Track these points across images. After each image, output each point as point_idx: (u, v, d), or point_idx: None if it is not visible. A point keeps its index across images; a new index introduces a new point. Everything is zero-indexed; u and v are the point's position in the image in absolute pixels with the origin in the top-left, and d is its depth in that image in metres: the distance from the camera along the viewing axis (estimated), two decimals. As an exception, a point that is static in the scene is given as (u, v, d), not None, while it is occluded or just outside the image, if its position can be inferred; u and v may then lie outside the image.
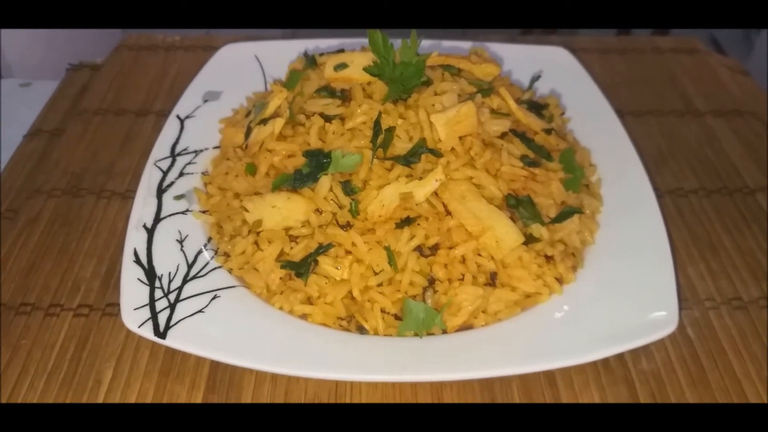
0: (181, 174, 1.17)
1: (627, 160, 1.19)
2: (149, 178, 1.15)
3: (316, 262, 0.98)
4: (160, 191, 1.13)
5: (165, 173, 1.16)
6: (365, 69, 1.07)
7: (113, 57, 1.67)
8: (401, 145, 1.02)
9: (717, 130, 1.46)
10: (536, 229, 1.01)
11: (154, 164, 1.17)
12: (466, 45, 1.37)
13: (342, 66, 1.11)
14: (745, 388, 0.97)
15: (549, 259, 1.00)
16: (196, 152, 1.22)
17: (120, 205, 1.25)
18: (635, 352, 1.00)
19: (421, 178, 1.00)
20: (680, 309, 0.95)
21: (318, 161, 1.02)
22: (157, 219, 1.08)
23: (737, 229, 1.23)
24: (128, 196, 1.26)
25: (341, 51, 1.21)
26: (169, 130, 1.25)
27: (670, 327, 0.92)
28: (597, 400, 0.95)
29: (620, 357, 0.99)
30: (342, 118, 1.07)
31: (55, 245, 1.17)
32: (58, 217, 1.22)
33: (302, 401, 0.95)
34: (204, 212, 1.12)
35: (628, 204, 1.12)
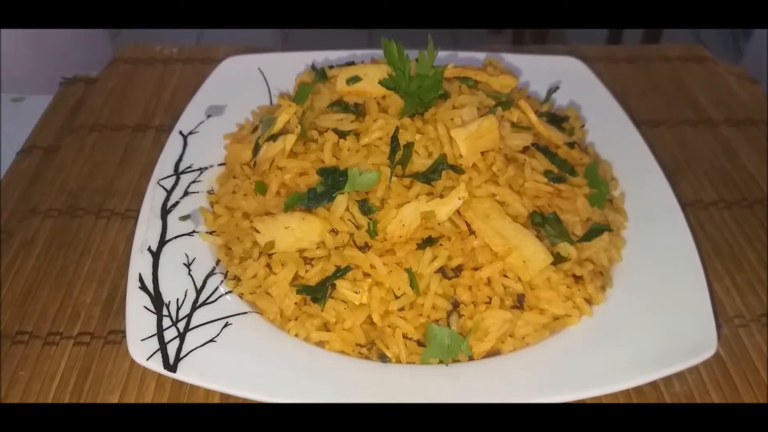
0: (186, 193, 1.12)
1: (649, 172, 1.15)
2: (152, 197, 1.10)
3: (334, 286, 0.94)
4: (165, 212, 1.08)
5: (169, 192, 1.11)
6: (380, 82, 1.02)
7: (108, 70, 1.62)
8: (420, 162, 0.98)
9: (731, 139, 1.44)
10: (564, 248, 0.97)
11: (158, 183, 1.12)
12: (480, 55, 1.33)
13: (355, 79, 1.07)
14: (784, 411, 0.94)
15: (578, 279, 0.96)
16: (201, 170, 1.17)
17: (120, 225, 1.20)
18: (668, 376, 0.96)
19: (442, 196, 0.95)
20: (719, 331, 0.92)
21: (333, 179, 0.97)
22: (162, 241, 1.03)
23: (760, 241, 1.20)
24: (128, 215, 1.21)
25: (352, 63, 1.17)
26: (172, 146, 1.20)
27: (709, 351, 0.88)
28: (631, 426, 0.91)
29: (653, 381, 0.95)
30: (357, 134, 1.02)
31: (53, 269, 1.12)
32: (55, 239, 1.17)
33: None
34: (211, 233, 1.07)
35: (654, 218, 1.08)
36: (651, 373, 0.87)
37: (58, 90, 1.57)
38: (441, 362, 0.91)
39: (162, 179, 1.13)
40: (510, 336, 0.93)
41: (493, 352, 0.92)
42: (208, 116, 1.27)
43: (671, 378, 0.97)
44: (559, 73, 1.35)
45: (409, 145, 0.99)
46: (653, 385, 0.96)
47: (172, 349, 0.88)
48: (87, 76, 1.61)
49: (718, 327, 0.93)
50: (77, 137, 1.40)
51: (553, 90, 1.23)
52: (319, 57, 1.38)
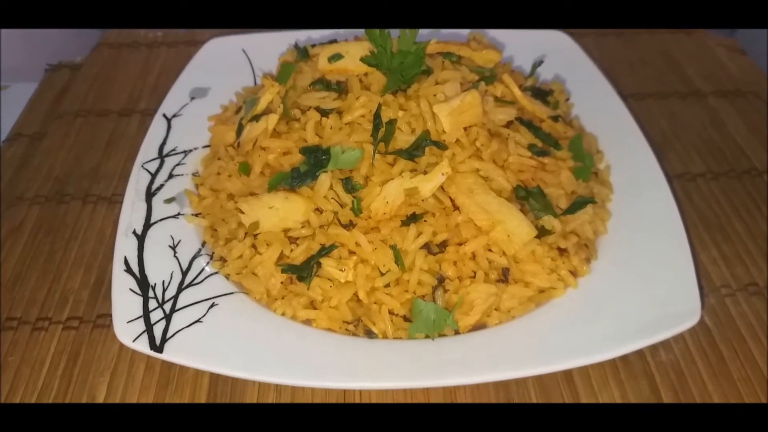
0: (171, 176, 1.12)
1: (634, 145, 1.15)
2: (137, 181, 1.09)
3: (319, 264, 0.94)
4: (149, 195, 1.08)
5: (153, 176, 1.11)
6: (362, 59, 1.02)
7: (93, 56, 1.61)
8: (403, 138, 0.98)
9: (720, 111, 1.43)
10: (548, 222, 0.97)
11: (142, 166, 1.12)
12: (464, 31, 1.32)
13: (336, 57, 1.06)
14: (766, 376, 0.95)
15: (562, 251, 0.96)
16: (185, 152, 1.16)
17: (107, 210, 1.20)
18: (654, 345, 0.96)
19: (425, 172, 0.95)
20: (703, 300, 0.92)
21: (316, 158, 0.97)
22: (147, 224, 1.03)
23: (748, 212, 1.20)
24: (115, 200, 1.21)
25: (334, 41, 1.16)
26: (156, 130, 1.19)
27: (693, 319, 0.88)
28: (617, 396, 0.93)
29: (639, 350, 0.95)
30: (339, 112, 1.02)
31: (41, 255, 1.12)
32: (42, 225, 1.17)
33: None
34: (196, 215, 1.07)
35: (640, 191, 1.08)
36: (635, 342, 0.87)
37: (43, 77, 1.56)
38: (427, 337, 0.91)
39: (146, 162, 1.13)
40: (496, 309, 0.93)
41: (479, 326, 0.93)
42: (192, 98, 1.26)
43: (657, 347, 0.97)
44: (545, 48, 1.34)
45: (391, 122, 0.98)
46: (639, 354, 0.97)
47: (158, 330, 0.88)
48: (72, 62, 1.60)
49: (703, 296, 0.93)
50: (63, 123, 1.39)
51: (537, 64, 1.22)
52: (302, 36, 1.37)
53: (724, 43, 1.67)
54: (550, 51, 1.33)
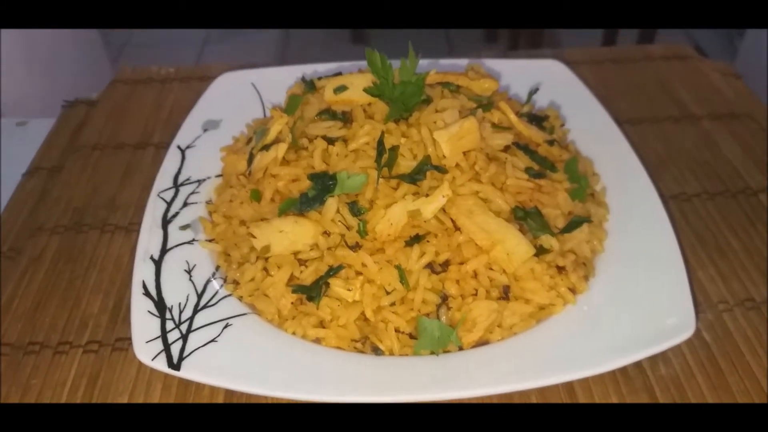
0: (185, 204, 1.17)
1: (629, 167, 1.19)
2: (153, 209, 1.14)
3: (327, 284, 0.98)
4: (165, 222, 1.12)
5: (169, 204, 1.16)
6: (366, 90, 1.07)
7: (108, 91, 1.67)
8: (406, 164, 1.02)
9: (714, 133, 1.47)
10: (546, 240, 1.01)
11: (158, 195, 1.17)
12: (462, 62, 1.38)
13: (341, 88, 1.12)
14: (765, 388, 0.97)
15: (561, 269, 1.00)
16: (199, 182, 1.21)
17: (124, 239, 1.24)
18: (653, 359, 0.99)
19: (427, 195, 0.99)
20: (697, 313, 0.95)
21: (323, 184, 1.01)
22: (164, 250, 1.07)
23: (743, 230, 1.23)
24: (131, 229, 1.26)
25: (339, 74, 1.22)
26: (171, 160, 1.24)
27: (688, 332, 0.91)
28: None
29: (638, 364, 0.99)
30: (345, 140, 1.07)
31: (61, 282, 1.16)
32: (62, 254, 1.21)
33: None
34: (210, 241, 1.11)
35: (635, 210, 1.12)
36: (633, 354, 0.90)
37: (60, 113, 1.62)
38: (432, 353, 0.94)
39: (162, 191, 1.18)
40: (498, 326, 0.96)
41: (482, 342, 0.96)
42: (205, 130, 1.32)
43: (657, 362, 1.00)
44: (541, 76, 1.39)
45: (394, 149, 1.03)
46: (639, 369, 0.99)
47: (175, 350, 0.92)
48: (88, 99, 1.66)
49: (697, 310, 0.96)
50: (80, 156, 1.45)
51: (533, 91, 1.27)
52: (309, 70, 1.43)
53: (718, 68, 1.72)
54: (546, 79, 1.38)
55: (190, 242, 1.10)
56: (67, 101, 1.64)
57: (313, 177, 1.03)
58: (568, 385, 0.97)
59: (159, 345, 0.92)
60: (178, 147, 1.27)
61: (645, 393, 0.97)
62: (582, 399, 0.96)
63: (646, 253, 1.04)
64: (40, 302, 1.13)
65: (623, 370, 0.98)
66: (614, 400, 0.96)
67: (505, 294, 0.98)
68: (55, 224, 1.28)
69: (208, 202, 1.19)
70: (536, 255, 0.98)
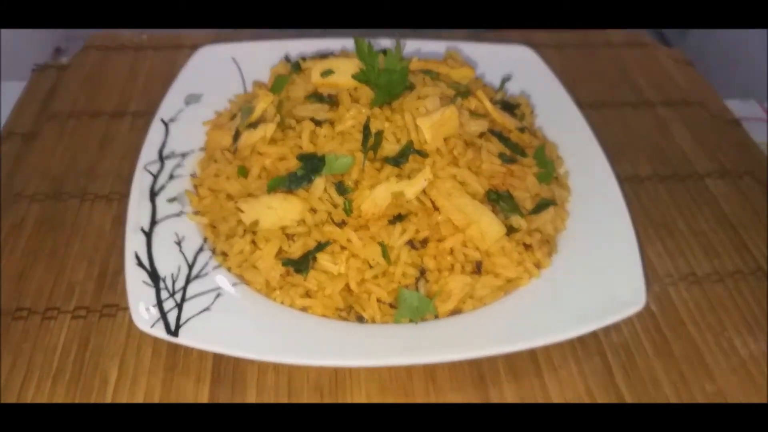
0: (171, 177, 1.19)
1: (590, 152, 1.28)
2: (140, 181, 1.17)
3: (315, 258, 1.04)
4: (153, 194, 1.15)
5: (155, 177, 1.19)
6: (353, 76, 1.12)
7: (80, 57, 1.66)
8: (390, 147, 1.09)
9: (667, 120, 1.58)
10: (516, 221, 1.09)
11: (144, 168, 1.19)
12: (440, 46, 1.43)
13: (328, 72, 1.16)
14: (704, 356, 1.08)
15: (528, 247, 1.09)
16: (183, 155, 1.24)
17: (105, 208, 1.26)
18: (606, 327, 1.09)
19: (409, 178, 1.06)
20: (648, 288, 1.05)
21: (312, 164, 1.07)
22: (153, 222, 1.11)
23: (689, 211, 1.34)
24: (112, 198, 1.28)
25: (324, 56, 1.26)
26: (155, 133, 1.26)
27: (638, 305, 1.02)
28: (575, 371, 1.04)
29: (593, 332, 1.08)
30: (332, 123, 1.12)
31: (44, 249, 1.18)
32: (43, 222, 1.23)
33: (305, 387, 1.00)
34: (196, 213, 1.15)
35: (594, 192, 1.21)
36: (590, 324, 1.00)
37: (30, 77, 1.60)
38: (411, 321, 1.02)
39: (148, 164, 1.20)
40: (470, 297, 1.05)
41: (456, 312, 1.04)
42: (187, 104, 1.34)
43: (609, 330, 1.10)
44: (512, 61, 1.46)
45: (379, 133, 1.09)
46: (594, 336, 1.09)
47: (172, 318, 0.97)
48: (59, 63, 1.64)
49: (648, 285, 1.06)
50: (56, 123, 1.44)
51: (506, 80, 1.34)
52: (291, 46, 1.45)
53: (672, 55, 1.82)
54: (516, 64, 1.45)
55: (178, 215, 1.14)
56: (37, 65, 1.61)
57: (302, 158, 1.08)
58: (531, 350, 1.06)
59: (156, 313, 0.97)
60: (162, 120, 1.29)
61: (598, 357, 1.07)
62: (543, 361, 1.05)
63: (603, 232, 1.14)
64: (25, 269, 1.14)
65: (580, 336, 1.07)
66: (572, 362, 1.06)
67: (478, 269, 1.06)
68: (34, 192, 1.28)
69: (193, 176, 1.22)
70: (507, 234, 1.07)
